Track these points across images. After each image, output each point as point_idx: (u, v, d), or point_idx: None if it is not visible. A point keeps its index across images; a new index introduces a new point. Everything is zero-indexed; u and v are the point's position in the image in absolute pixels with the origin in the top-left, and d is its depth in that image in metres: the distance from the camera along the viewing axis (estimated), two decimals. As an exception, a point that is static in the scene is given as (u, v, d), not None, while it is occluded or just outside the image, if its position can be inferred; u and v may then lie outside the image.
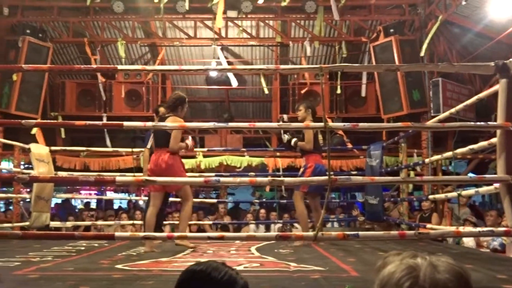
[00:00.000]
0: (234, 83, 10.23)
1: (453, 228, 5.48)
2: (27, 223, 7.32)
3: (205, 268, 1.32)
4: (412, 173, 8.74)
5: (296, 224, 9.08)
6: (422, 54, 9.02)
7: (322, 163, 6.13)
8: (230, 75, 10.20)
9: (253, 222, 9.04)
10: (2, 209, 10.32)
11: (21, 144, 7.94)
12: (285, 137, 6.38)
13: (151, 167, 5.27)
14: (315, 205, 6.31)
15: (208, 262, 1.36)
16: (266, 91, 10.61)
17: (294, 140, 6.16)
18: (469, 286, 0.98)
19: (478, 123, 5.72)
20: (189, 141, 5.43)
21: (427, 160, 7.50)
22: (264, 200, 12.31)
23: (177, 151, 5.30)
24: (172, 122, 5.10)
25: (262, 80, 10.42)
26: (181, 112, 5.31)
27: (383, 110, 9.55)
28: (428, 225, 6.57)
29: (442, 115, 6.48)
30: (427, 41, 8.91)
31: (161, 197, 5.45)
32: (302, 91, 10.38)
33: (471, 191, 5.81)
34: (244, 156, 9.70)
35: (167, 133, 5.17)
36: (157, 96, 10.74)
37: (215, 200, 10.00)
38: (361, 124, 4.34)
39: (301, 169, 6.29)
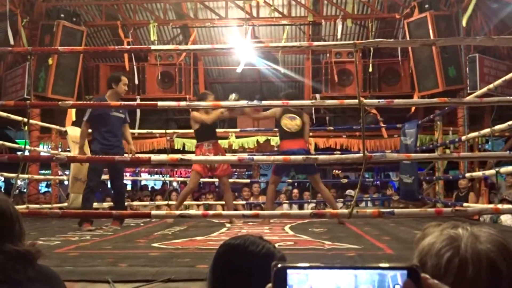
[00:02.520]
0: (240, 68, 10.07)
1: (491, 206, 5.39)
2: (65, 204, 7.50)
3: (243, 242, 1.32)
4: (448, 151, 8.58)
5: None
6: (464, 24, 8.63)
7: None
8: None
9: (287, 202, 9.05)
10: (41, 191, 10.57)
11: (58, 127, 8.11)
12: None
13: None
14: (317, 187, 6.28)
15: (245, 236, 1.36)
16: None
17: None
18: None
19: (518, 97, 5.56)
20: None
21: (463, 138, 7.33)
22: (297, 180, 12.27)
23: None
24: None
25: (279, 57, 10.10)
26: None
27: (418, 87, 9.32)
28: (465, 204, 6.47)
29: (479, 92, 6.33)
30: (467, 13, 8.55)
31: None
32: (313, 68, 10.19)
33: (510, 168, 5.66)
34: (276, 136, 9.67)
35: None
36: (189, 78, 10.75)
37: (248, 180, 10.02)
38: (396, 101, 4.31)
39: None
